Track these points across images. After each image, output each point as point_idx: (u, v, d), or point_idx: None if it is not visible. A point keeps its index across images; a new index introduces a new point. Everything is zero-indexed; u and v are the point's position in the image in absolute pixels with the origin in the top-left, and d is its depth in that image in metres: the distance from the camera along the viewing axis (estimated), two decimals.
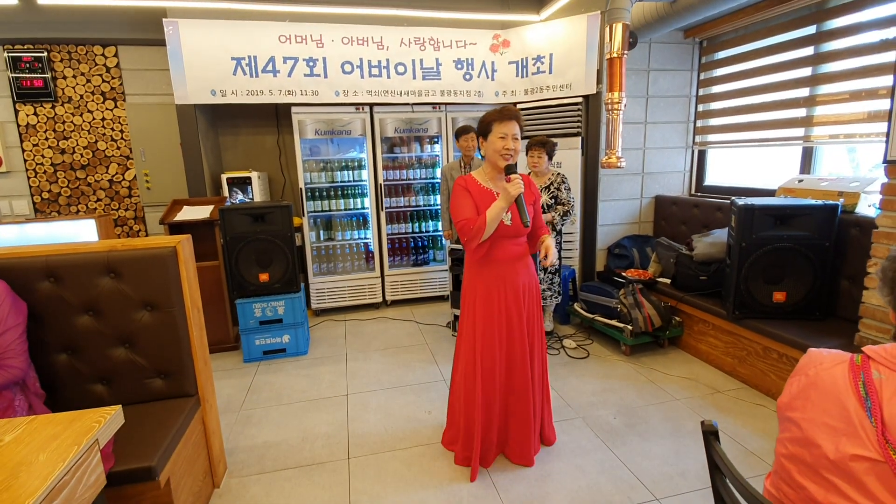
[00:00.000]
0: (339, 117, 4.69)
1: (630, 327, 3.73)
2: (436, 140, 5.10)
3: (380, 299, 5.10)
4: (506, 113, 2.26)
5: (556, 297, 4.19)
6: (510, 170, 2.23)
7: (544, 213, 3.93)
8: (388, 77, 4.60)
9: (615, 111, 3.68)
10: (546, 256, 2.30)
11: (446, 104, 4.86)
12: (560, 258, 4.15)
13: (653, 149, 4.75)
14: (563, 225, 4.03)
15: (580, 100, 4.51)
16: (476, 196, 2.32)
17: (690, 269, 3.80)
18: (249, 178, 4.61)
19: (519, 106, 4.84)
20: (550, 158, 3.95)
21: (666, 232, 4.70)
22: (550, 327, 4.27)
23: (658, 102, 4.66)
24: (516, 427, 2.50)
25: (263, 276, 3.86)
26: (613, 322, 3.90)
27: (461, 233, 2.27)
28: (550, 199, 3.96)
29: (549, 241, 2.36)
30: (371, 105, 4.73)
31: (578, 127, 4.57)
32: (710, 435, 1.28)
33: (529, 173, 4.10)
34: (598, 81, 4.37)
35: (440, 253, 5.25)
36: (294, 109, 4.56)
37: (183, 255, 2.23)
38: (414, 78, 4.65)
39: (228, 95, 4.29)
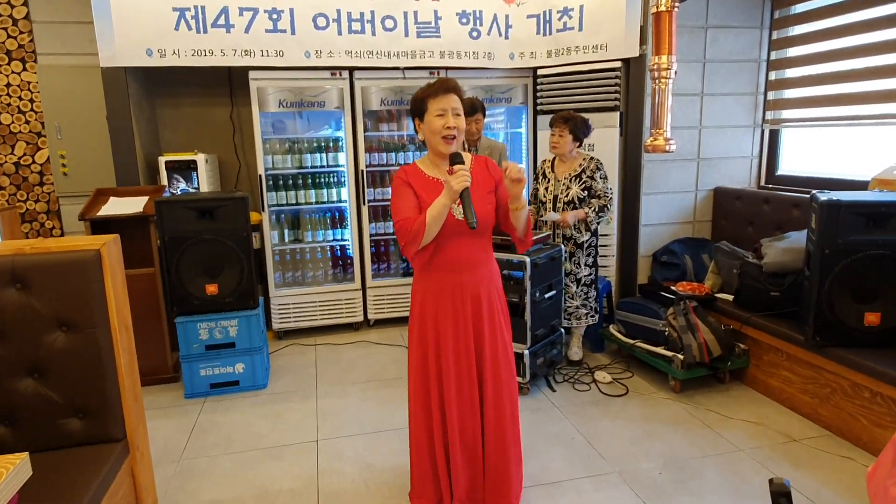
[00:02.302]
0: (311, 85, 4.67)
1: (681, 357, 3.73)
2: None
3: (360, 318, 5.10)
4: (440, 85, 2.35)
5: (591, 317, 4.21)
6: (454, 160, 2.30)
7: (575, 206, 3.97)
8: (374, 34, 4.61)
9: (663, 80, 3.68)
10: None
11: (448, 69, 4.83)
12: (595, 264, 4.19)
13: (711, 128, 4.76)
14: (599, 223, 4.09)
15: (618, 65, 4.53)
16: (420, 189, 2.39)
17: (759, 282, 3.80)
18: (195, 163, 4.60)
19: (541, 72, 4.93)
20: (579, 140, 3.99)
21: (727, 234, 4.70)
22: (578, 356, 4.28)
23: (718, 69, 4.66)
24: (492, 488, 2.55)
25: (211, 288, 3.87)
26: (659, 350, 3.91)
27: (398, 236, 2.34)
28: (582, 190, 3.99)
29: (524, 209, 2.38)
30: (351, 69, 4.71)
31: (616, 100, 4.59)
32: (782, 497, 1.28)
33: (555, 159, 4.15)
34: (642, 41, 4.40)
35: None
36: (253, 75, 4.56)
37: (109, 261, 2.24)
38: (406, 35, 4.66)
39: (169, 56, 4.30)
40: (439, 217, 2.26)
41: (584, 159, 4.05)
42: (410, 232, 2.28)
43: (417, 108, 2.40)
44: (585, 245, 4.10)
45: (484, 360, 2.48)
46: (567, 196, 4.00)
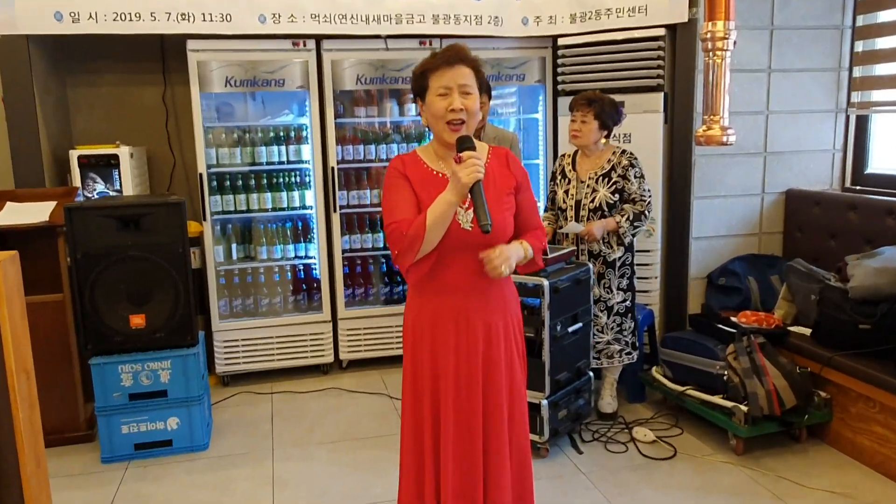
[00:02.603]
0: (266, 58, 4.67)
1: (744, 408, 3.70)
2: None
3: (330, 358, 5.10)
4: (443, 55, 2.34)
5: (627, 355, 4.20)
6: (463, 144, 2.27)
7: (604, 214, 3.99)
8: None
9: (718, 52, 3.65)
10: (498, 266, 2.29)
11: (442, 38, 4.82)
12: (631, 288, 4.18)
13: (781, 113, 4.74)
14: (634, 236, 4.11)
15: (661, 33, 4.54)
16: (419, 185, 2.39)
17: (844, 311, 3.79)
18: (116, 157, 4.58)
19: (562, 42, 4.94)
20: (607, 128, 4.00)
21: (803, 250, 4.66)
22: (612, 407, 4.27)
23: (789, 38, 4.66)
24: None
25: (137, 320, 3.85)
26: (716, 399, 3.88)
27: (390, 243, 2.35)
28: (613, 193, 4.00)
29: (515, 249, 2.37)
30: (318, 38, 4.71)
31: (659, 77, 4.58)
32: None
33: (576, 153, 4.18)
34: (692, 3, 4.42)
35: None
36: (192, 45, 4.56)
37: (3, 286, 2.23)
38: None
39: (84, 21, 4.30)
40: (443, 218, 2.25)
41: (613, 153, 4.06)
42: (406, 237, 2.26)
43: (418, 86, 2.40)
44: (618, 264, 4.10)
45: (493, 411, 2.46)
46: (593, 201, 4.03)
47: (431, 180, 2.39)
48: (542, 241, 2.55)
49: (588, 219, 4.03)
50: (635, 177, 4.01)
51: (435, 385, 2.45)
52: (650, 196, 4.06)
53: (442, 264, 2.37)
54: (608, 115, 3.98)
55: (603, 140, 4.07)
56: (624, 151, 4.07)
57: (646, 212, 4.03)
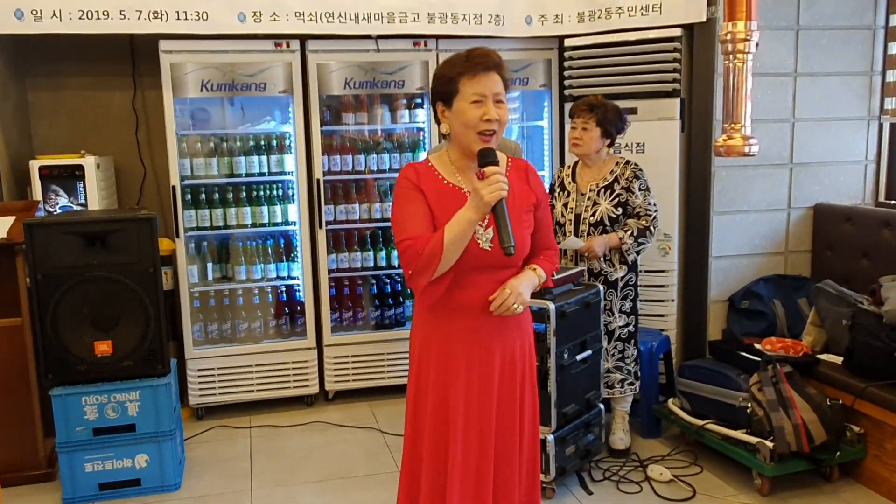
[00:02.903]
0: (246, 60, 4.68)
1: (770, 444, 3.69)
2: (419, 102, 5.07)
3: (315, 388, 5.11)
4: (480, 59, 2.34)
5: (630, 385, 4.22)
6: (486, 158, 2.29)
7: (606, 230, 4.01)
8: None
9: (740, 54, 3.63)
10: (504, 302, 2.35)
11: (438, 37, 4.87)
12: (634, 311, 4.21)
13: (808, 121, 4.75)
14: (639, 253, 4.12)
15: (677, 33, 4.56)
16: (434, 198, 2.40)
17: (878, 338, 3.79)
18: (81, 168, 4.56)
19: (569, 43, 4.96)
20: (610, 136, 4.02)
21: (834, 270, 4.67)
22: (624, 443, 4.26)
23: (817, 39, 4.67)
24: None
25: (103, 347, 3.83)
26: (739, 434, 3.88)
27: (403, 262, 2.35)
28: (615, 207, 4.02)
29: (527, 281, 2.43)
30: (303, 38, 4.73)
31: (674, 82, 4.61)
32: None
33: (576, 164, 4.21)
34: (710, 2, 4.44)
35: None
36: (165, 45, 4.58)
37: None
38: None
39: (46, 20, 4.30)
40: (462, 237, 2.26)
41: (616, 164, 4.08)
42: (422, 256, 2.27)
43: (443, 90, 2.38)
44: (620, 284, 4.12)
45: (504, 452, 2.47)
46: (594, 215, 4.05)
47: (448, 194, 2.41)
48: (555, 263, 2.58)
49: (588, 234, 4.05)
50: (640, 189, 4.02)
51: (438, 419, 2.44)
52: (656, 210, 4.07)
53: (457, 284, 2.38)
54: (611, 122, 3.99)
55: (605, 149, 4.09)
56: (628, 162, 4.09)
57: (651, 227, 4.03)
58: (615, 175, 4.05)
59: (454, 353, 2.43)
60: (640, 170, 4.07)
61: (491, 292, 2.38)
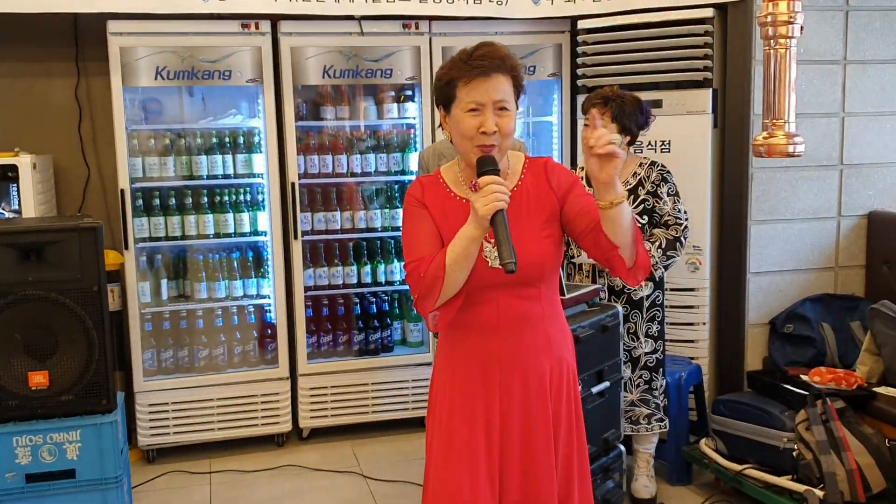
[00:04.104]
0: (208, 43, 4.67)
1: (819, 493, 3.62)
2: (409, 94, 5.09)
3: (287, 426, 5.07)
4: (483, 62, 2.29)
5: (660, 423, 4.12)
6: (483, 167, 2.25)
7: None
8: None
9: (781, 39, 3.48)
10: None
11: (431, 19, 4.89)
12: (662, 335, 4.11)
13: (860, 116, 4.66)
14: (667, 268, 4.04)
15: (709, 14, 4.54)
16: (439, 213, 2.44)
17: None
18: (15, 168, 4.48)
19: (584, 25, 4.92)
20: (630, 133, 3.89)
21: (892, 289, 4.53)
22: (649, 491, 4.16)
23: (870, 21, 4.59)
24: None
25: (38, 378, 3.71)
26: (784, 481, 3.82)
27: (410, 286, 2.39)
28: (640, 215, 3.96)
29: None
30: (275, 19, 4.74)
31: (706, 70, 4.57)
32: None
33: (583, 169, 4.17)
34: None
35: (416, 327, 5.19)
36: (114, 27, 4.54)
37: None
38: None
39: None
40: (465, 256, 2.26)
41: (639, 165, 4.01)
42: (424, 279, 2.30)
43: (442, 95, 2.38)
44: (646, 304, 4.07)
45: (538, 492, 2.45)
46: None
47: (453, 207, 2.44)
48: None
49: None
50: (668, 194, 3.95)
51: (448, 442, 2.48)
52: (687, 219, 3.98)
53: (473, 301, 2.40)
54: (630, 117, 3.87)
55: (625, 148, 3.92)
56: (654, 163, 4.03)
57: (682, 238, 3.96)
58: (639, 178, 3.99)
59: (471, 382, 2.47)
60: (668, 172, 4.00)
61: (511, 309, 2.43)
